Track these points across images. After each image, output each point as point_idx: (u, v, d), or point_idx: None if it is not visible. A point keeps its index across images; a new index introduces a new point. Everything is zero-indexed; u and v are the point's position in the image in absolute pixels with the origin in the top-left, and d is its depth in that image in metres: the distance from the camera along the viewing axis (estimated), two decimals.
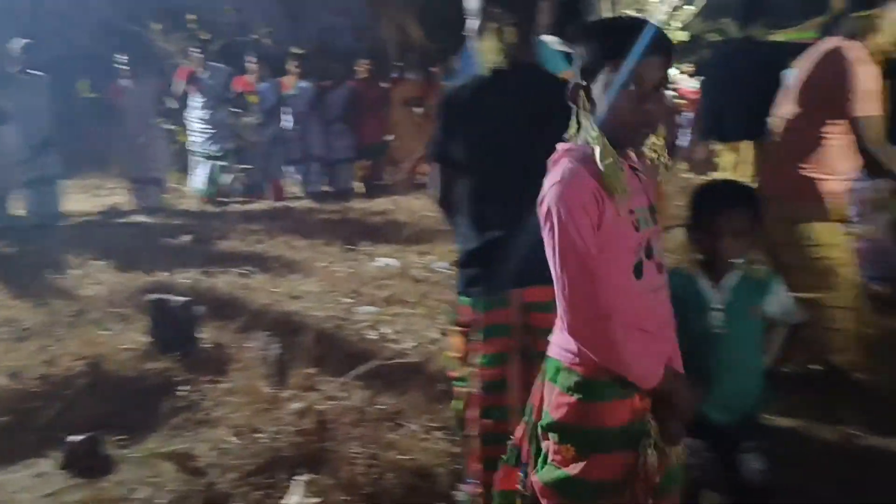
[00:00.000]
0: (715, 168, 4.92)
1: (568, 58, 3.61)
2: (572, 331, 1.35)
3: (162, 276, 4.84)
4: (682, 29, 12.58)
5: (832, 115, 2.67)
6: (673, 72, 11.06)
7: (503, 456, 1.60)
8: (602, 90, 1.34)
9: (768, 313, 1.88)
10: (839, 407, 2.58)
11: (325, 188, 8.22)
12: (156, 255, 5.37)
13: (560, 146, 1.42)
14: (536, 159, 1.83)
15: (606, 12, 12.08)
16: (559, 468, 1.40)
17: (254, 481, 2.27)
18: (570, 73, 3.10)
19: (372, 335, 3.83)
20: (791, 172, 2.76)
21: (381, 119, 8.28)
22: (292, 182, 8.42)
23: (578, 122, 1.40)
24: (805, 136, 2.75)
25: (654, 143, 1.43)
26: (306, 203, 7.83)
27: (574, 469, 1.38)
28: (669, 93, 9.97)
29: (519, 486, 1.50)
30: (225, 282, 4.72)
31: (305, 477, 2.24)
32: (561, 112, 1.86)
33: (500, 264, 1.87)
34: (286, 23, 12.56)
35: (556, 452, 1.41)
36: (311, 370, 3.00)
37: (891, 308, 3.55)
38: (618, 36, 1.34)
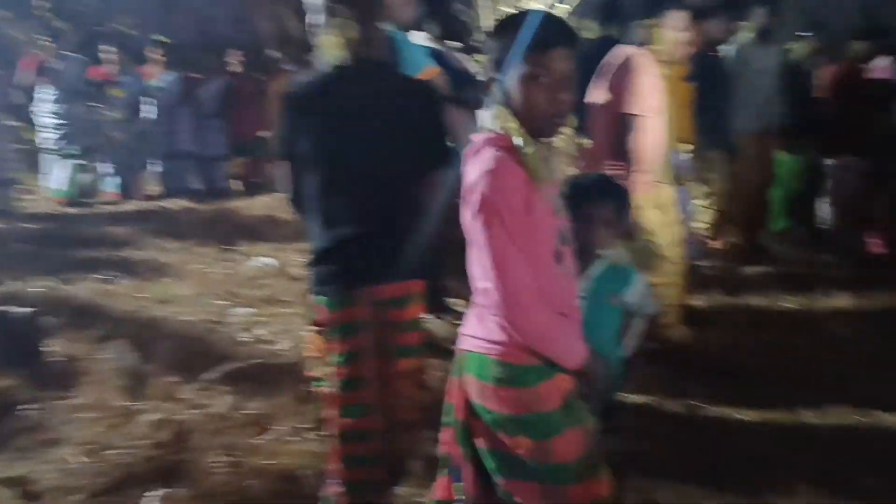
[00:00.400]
0: None
1: (434, 54, 3.66)
2: (504, 316, 1.33)
3: (14, 285, 4.45)
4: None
5: (622, 114, 2.90)
6: None
7: (444, 467, 1.55)
8: (515, 83, 1.35)
9: (627, 303, 1.97)
10: (682, 381, 2.78)
11: (199, 187, 7.85)
12: (5, 262, 4.93)
13: (477, 137, 1.42)
14: (384, 157, 1.85)
15: (484, 9, 12.33)
16: (529, 460, 1.39)
17: (103, 501, 2.13)
18: (433, 70, 3.15)
19: (246, 337, 3.71)
20: (601, 167, 2.93)
21: (259, 113, 8.00)
22: (160, 181, 7.98)
23: (493, 114, 1.41)
24: (609, 135, 2.97)
25: (564, 132, 1.47)
26: (181, 203, 7.44)
27: (541, 457, 1.38)
28: None
29: (456, 495, 1.48)
30: (85, 289, 4.41)
31: (160, 492, 2.13)
32: (410, 110, 1.88)
33: (350, 262, 1.86)
34: (160, 12, 11.88)
35: (516, 446, 1.39)
36: (174, 378, 2.86)
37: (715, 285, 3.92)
38: (531, 29, 1.35)
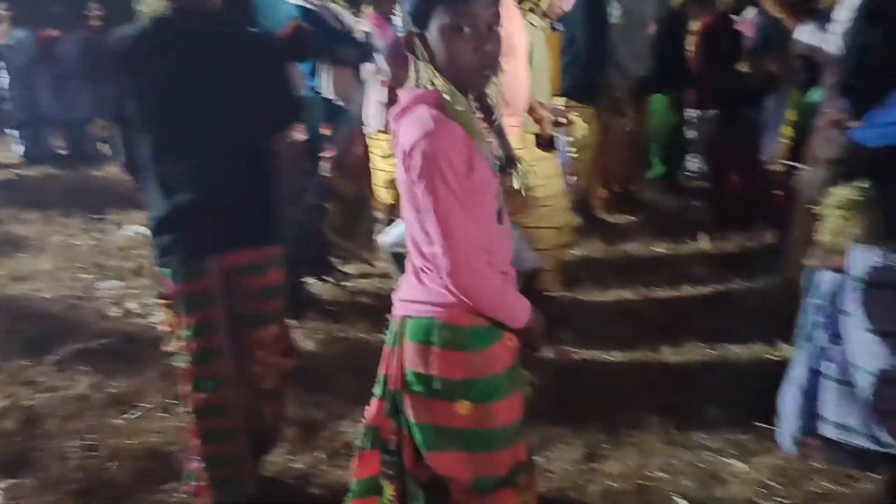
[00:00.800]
0: None
1: (305, 10, 3.49)
2: (455, 281, 1.26)
3: None
4: None
5: None
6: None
7: (358, 442, 1.46)
8: (437, 36, 1.26)
9: None
10: (555, 328, 2.87)
11: (63, 152, 7.26)
12: None
13: (406, 93, 1.32)
14: (219, 117, 1.74)
15: None
16: (467, 428, 1.33)
17: None
18: (294, 25, 2.99)
19: (115, 312, 3.50)
20: None
21: None
22: (18, 147, 7.32)
23: (417, 71, 1.31)
24: None
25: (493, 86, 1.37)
26: (43, 170, 6.87)
27: (479, 423, 1.33)
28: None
29: (383, 469, 1.41)
30: None
31: (2, 483, 1.99)
32: (246, 66, 1.77)
33: (193, 230, 1.76)
34: None
35: (454, 414, 1.33)
36: (25, 362, 2.66)
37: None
38: None
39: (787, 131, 5.90)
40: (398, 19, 4.93)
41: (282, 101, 1.82)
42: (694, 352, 2.84)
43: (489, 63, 1.29)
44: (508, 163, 1.42)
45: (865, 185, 1.52)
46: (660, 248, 4.12)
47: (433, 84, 1.27)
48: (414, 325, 1.35)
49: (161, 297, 1.88)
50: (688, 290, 3.50)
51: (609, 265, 3.88)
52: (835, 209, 1.56)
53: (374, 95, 4.28)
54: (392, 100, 4.41)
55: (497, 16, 1.28)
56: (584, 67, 4.14)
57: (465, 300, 1.28)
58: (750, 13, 6.55)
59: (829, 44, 2.45)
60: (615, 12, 4.64)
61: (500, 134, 1.43)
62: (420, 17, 1.27)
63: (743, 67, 4.44)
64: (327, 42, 3.48)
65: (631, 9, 4.74)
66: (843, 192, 1.54)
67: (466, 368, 1.33)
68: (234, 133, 1.74)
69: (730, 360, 2.77)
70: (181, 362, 1.85)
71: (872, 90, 1.48)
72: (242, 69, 1.74)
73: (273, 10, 3.01)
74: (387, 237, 2.07)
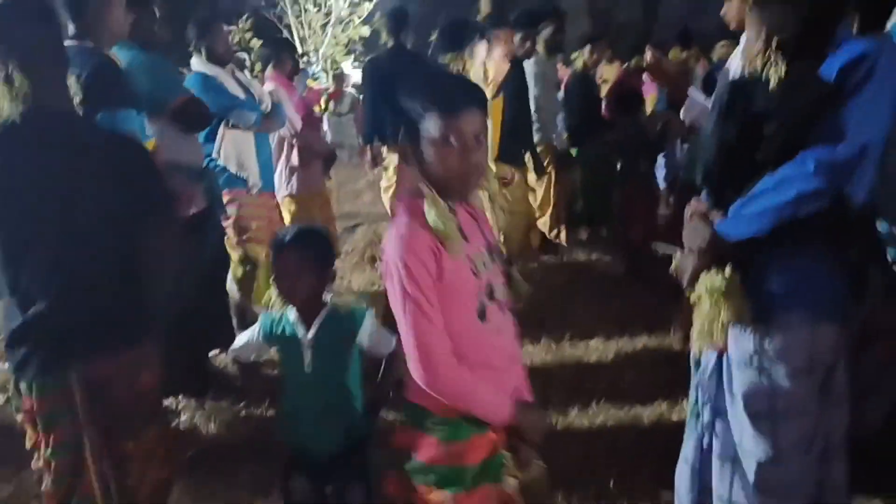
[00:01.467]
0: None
1: (198, 76, 3.39)
2: (421, 378, 1.37)
3: None
4: (363, 24, 12.92)
5: None
6: (348, 67, 11.38)
7: None
8: (427, 145, 1.36)
9: (361, 345, 1.91)
10: None
11: None
12: None
13: (398, 199, 1.44)
14: (71, 219, 1.60)
15: (292, 13, 11.80)
16: None
17: None
18: (181, 99, 2.89)
19: None
20: None
21: None
22: None
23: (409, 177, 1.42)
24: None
25: (486, 185, 1.50)
26: None
27: None
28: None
29: None
30: None
31: None
32: (96, 166, 1.63)
33: (49, 339, 1.63)
34: None
35: (421, 494, 1.42)
36: None
37: None
38: (437, 92, 1.38)
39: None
40: (302, 79, 4.91)
41: (144, 198, 1.71)
42: (603, 413, 2.86)
43: (475, 172, 1.39)
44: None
45: (732, 272, 1.56)
46: (575, 302, 4.17)
47: (420, 191, 1.37)
48: (407, 409, 1.47)
49: (21, 411, 1.73)
50: (596, 346, 3.55)
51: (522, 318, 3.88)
52: (707, 294, 1.59)
53: (283, 159, 4.21)
54: (304, 161, 4.34)
55: (484, 127, 1.38)
56: (510, 132, 4.19)
57: (433, 393, 1.38)
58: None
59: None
60: (534, 77, 4.80)
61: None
62: (411, 128, 1.38)
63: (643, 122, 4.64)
64: (223, 109, 3.40)
65: (545, 72, 4.93)
66: (712, 279, 1.58)
67: (438, 454, 1.42)
68: (90, 236, 1.63)
69: (637, 421, 2.80)
70: (44, 483, 1.70)
71: (731, 184, 1.54)
72: (95, 172, 1.63)
73: (161, 83, 2.92)
74: (235, 343, 2.00)
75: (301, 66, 5.45)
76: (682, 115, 2.91)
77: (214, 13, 3.78)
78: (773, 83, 1.46)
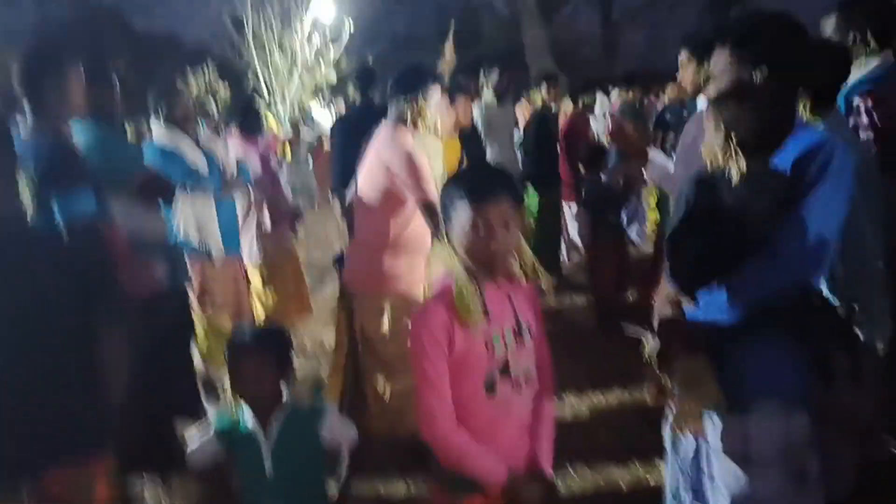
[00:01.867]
0: None
1: (155, 149, 3.33)
2: (426, 437, 1.54)
3: None
4: (334, 67, 12.98)
5: (400, 201, 2.72)
6: (323, 117, 11.39)
7: None
8: (459, 228, 1.51)
9: (325, 441, 1.85)
10: None
11: None
12: None
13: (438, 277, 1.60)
14: (16, 326, 1.54)
15: (258, 59, 11.84)
16: None
17: None
18: (140, 178, 2.82)
19: None
20: (374, 266, 2.76)
21: None
22: None
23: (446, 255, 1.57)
24: (381, 223, 2.75)
25: (523, 264, 1.58)
26: None
27: None
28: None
29: None
30: None
31: None
32: (41, 270, 1.57)
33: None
34: None
35: None
36: None
37: None
38: (468, 182, 1.52)
39: (652, 215, 6.26)
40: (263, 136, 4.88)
41: (93, 297, 1.66)
42: (580, 476, 2.81)
43: (500, 257, 1.52)
44: None
45: (704, 359, 1.55)
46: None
47: (451, 267, 1.54)
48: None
49: None
50: (570, 402, 3.52)
51: None
52: (680, 380, 1.59)
53: (252, 223, 4.09)
54: (274, 220, 4.25)
55: (514, 213, 1.51)
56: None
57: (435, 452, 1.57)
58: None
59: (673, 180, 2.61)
60: (480, 123, 4.86)
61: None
62: (445, 212, 1.54)
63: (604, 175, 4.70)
64: (182, 180, 3.34)
65: (495, 117, 4.99)
66: (687, 364, 1.57)
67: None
68: (38, 343, 1.57)
69: (615, 487, 2.76)
70: None
71: (699, 274, 1.55)
72: (42, 277, 1.58)
73: (120, 160, 2.87)
74: (189, 444, 1.91)
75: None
76: (646, 177, 2.94)
77: (172, 79, 3.73)
78: (735, 179, 1.48)
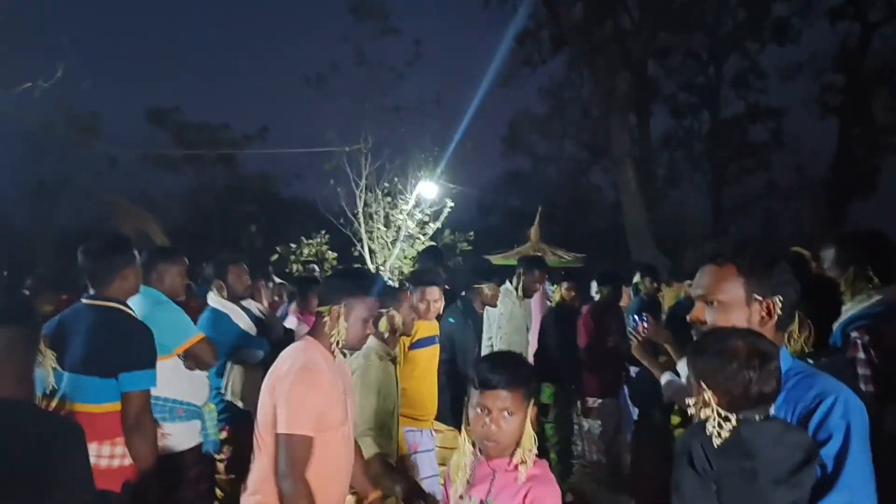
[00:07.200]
0: None
1: (211, 311, 3.65)
2: None
3: None
4: (433, 238, 13.76)
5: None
6: None
7: None
8: (470, 408, 1.82)
9: None
10: None
11: None
12: None
13: None
14: None
15: (365, 230, 12.82)
16: None
17: None
18: (191, 341, 3.10)
19: None
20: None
21: None
22: None
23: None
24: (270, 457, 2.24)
25: (523, 457, 1.78)
26: None
27: None
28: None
29: None
30: None
31: None
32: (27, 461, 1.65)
33: None
34: None
35: None
36: None
37: None
38: (480, 370, 1.81)
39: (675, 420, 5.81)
40: None
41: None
42: None
43: (493, 440, 1.78)
44: None
45: None
46: None
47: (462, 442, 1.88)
48: None
49: None
50: None
51: None
52: None
53: None
54: None
55: (511, 404, 1.76)
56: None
57: None
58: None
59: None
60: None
61: None
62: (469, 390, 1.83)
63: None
64: (231, 346, 3.63)
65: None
66: None
67: None
68: None
69: None
70: None
71: None
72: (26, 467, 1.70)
73: (172, 329, 3.08)
74: None
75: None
76: (663, 391, 2.89)
77: (232, 255, 3.92)
78: (716, 442, 1.49)
